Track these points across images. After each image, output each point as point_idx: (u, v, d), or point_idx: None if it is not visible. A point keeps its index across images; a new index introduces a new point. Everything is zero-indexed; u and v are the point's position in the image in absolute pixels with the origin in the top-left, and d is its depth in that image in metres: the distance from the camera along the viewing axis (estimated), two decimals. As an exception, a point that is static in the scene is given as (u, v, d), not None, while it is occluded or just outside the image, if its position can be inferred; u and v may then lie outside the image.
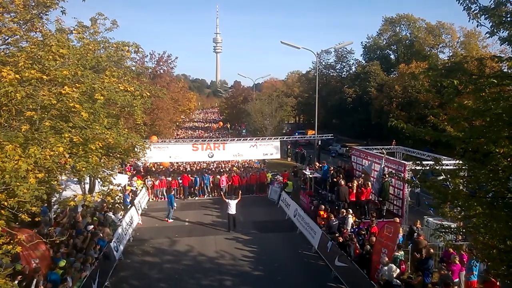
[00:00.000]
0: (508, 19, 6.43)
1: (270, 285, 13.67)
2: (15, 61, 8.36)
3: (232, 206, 19.19)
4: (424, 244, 13.30)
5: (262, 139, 27.79)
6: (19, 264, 10.48)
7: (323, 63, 72.76)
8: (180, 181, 25.78)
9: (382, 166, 18.33)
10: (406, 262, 13.67)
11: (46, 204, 15.27)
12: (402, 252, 13.09)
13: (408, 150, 23.13)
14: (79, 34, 11.41)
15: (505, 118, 6.32)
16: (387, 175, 18.09)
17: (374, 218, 16.03)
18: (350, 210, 16.72)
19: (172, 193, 22.43)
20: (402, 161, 18.28)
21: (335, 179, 20.27)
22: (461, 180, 7.97)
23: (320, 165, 23.79)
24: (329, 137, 32.03)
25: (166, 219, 20.98)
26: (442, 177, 8.37)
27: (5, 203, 6.80)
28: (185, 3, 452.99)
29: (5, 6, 9.42)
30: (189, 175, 26.51)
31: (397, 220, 14.90)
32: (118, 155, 14.99)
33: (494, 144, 6.56)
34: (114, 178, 11.79)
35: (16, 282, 9.39)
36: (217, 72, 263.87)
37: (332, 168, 22.94)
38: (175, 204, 21.71)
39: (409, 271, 13.18)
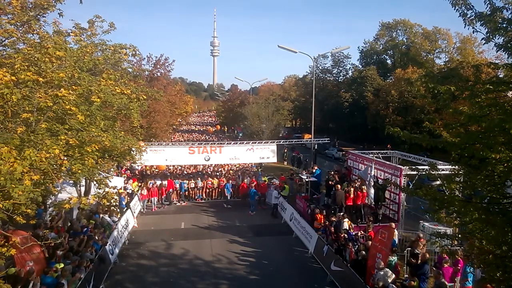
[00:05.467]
0: (504, 25, 6.47)
1: (266, 289, 13.65)
2: (11, 63, 8.33)
3: (273, 197, 22.71)
4: (423, 245, 13.36)
5: (258, 142, 27.78)
6: (13, 268, 10.40)
7: (320, 68, 73.19)
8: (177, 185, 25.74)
9: (372, 171, 18.35)
10: (402, 266, 13.72)
11: (42, 207, 15.20)
12: (395, 257, 13.11)
13: (404, 155, 23.19)
14: (77, 36, 11.39)
15: (501, 124, 6.35)
16: (378, 180, 18.19)
17: (370, 223, 16.04)
18: (345, 214, 16.72)
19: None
20: (398, 166, 18.32)
21: (330, 182, 20.31)
22: (457, 186, 8.00)
23: (313, 170, 23.87)
24: (326, 141, 32.17)
25: (251, 212, 22.88)
26: (438, 182, 8.40)
27: (0, 205, 6.76)
28: (183, 6, 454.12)
29: (2, 7, 9.40)
30: (185, 179, 26.39)
31: (393, 225, 14.91)
32: (114, 158, 14.93)
33: (490, 149, 6.58)
34: (110, 181, 11.73)
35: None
36: (214, 76, 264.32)
37: (330, 172, 22.97)
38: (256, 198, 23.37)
39: (406, 275, 13.20)
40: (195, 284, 13.79)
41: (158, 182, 25.08)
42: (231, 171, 30.58)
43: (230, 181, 26.16)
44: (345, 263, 13.27)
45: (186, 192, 26.24)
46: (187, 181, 26.48)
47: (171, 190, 25.28)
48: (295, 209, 20.27)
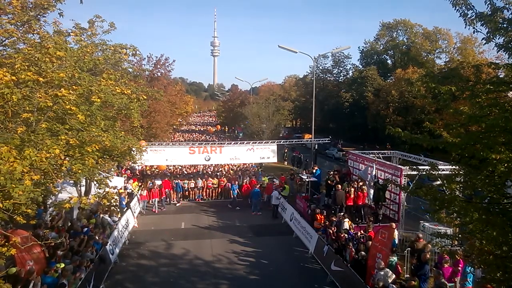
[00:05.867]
0: (504, 25, 6.47)
1: (266, 289, 13.64)
2: (11, 63, 8.33)
3: (274, 197, 22.29)
4: (422, 245, 13.36)
5: (259, 142, 27.79)
6: (14, 268, 10.41)
7: (320, 68, 73.17)
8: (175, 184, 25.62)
9: (373, 171, 18.35)
10: (402, 266, 13.70)
11: (43, 207, 15.18)
12: (395, 258, 13.08)
13: (405, 155, 23.18)
14: (77, 36, 11.39)
15: (501, 124, 6.34)
16: (379, 180, 18.17)
17: (370, 223, 16.04)
18: (346, 214, 16.71)
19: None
20: (399, 166, 18.32)
21: (330, 182, 20.32)
22: (457, 186, 7.98)
23: (314, 170, 23.87)
24: (326, 141, 32.19)
25: (254, 212, 22.92)
26: (438, 182, 8.39)
27: (0, 205, 6.75)
28: (183, 6, 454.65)
29: (2, 7, 9.40)
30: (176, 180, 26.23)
31: (393, 225, 14.90)
32: (114, 158, 14.93)
33: (490, 150, 6.57)
34: (110, 181, 11.74)
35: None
36: (215, 76, 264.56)
37: (330, 172, 22.98)
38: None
39: (406, 276, 13.19)
40: (195, 284, 13.79)
41: (158, 183, 24.98)
42: (231, 171, 30.58)
43: (236, 182, 25.88)
44: (345, 263, 13.26)
45: (187, 192, 26.19)
46: (187, 181, 26.41)
47: (167, 190, 25.11)
48: (295, 209, 20.27)
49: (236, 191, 24.87)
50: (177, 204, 25.19)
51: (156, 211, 23.55)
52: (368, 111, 55.78)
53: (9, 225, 10.29)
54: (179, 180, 26.38)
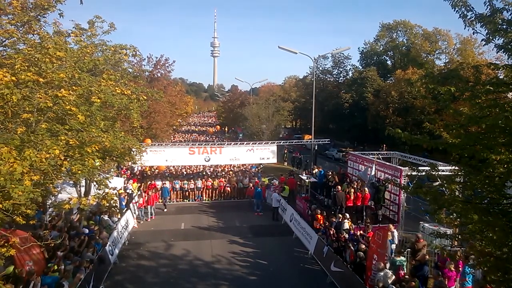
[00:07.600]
0: (504, 26, 6.48)
1: (266, 290, 13.62)
2: (11, 63, 8.34)
3: (274, 200, 22.11)
4: (422, 245, 13.33)
5: (259, 143, 27.81)
6: (11, 267, 10.40)
7: (320, 68, 73.01)
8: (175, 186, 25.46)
9: (373, 172, 18.34)
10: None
11: (42, 209, 15.17)
12: (404, 258, 13.02)
13: (404, 156, 23.18)
14: (77, 36, 11.39)
15: (501, 125, 6.34)
16: (379, 180, 18.17)
17: (369, 224, 16.03)
18: (347, 215, 16.71)
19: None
20: (398, 167, 18.32)
21: (329, 183, 20.29)
22: (457, 186, 7.98)
23: (315, 170, 23.83)
24: (326, 142, 32.20)
25: (258, 213, 22.99)
26: (438, 182, 8.39)
27: (0, 206, 6.75)
28: (184, 7, 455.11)
29: (2, 8, 9.41)
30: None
31: (391, 226, 14.90)
32: (114, 158, 14.92)
33: (490, 150, 6.57)
34: (110, 182, 11.71)
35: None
36: (215, 76, 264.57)
37: (329, 172, 22.96)
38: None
39: (406, 276, 13.16)
40: (195, 285, 13.78)
41: (157, 183, 24.87)
42: (231, 172, 30.57)
43: (257, 185, 25.13)
44: (345, 264, 13.25)
45: (187, 193, 26.07)
46: (187, 182, 26.30)
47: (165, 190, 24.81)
48: (295, 210, 20.26)
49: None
50: (164, 210, 23.96)
51: (153, 217, 22.43)
52: (368, 111, 55.70)
53: (13, 226, 10.29)
54: (165, 184, 25.32)
